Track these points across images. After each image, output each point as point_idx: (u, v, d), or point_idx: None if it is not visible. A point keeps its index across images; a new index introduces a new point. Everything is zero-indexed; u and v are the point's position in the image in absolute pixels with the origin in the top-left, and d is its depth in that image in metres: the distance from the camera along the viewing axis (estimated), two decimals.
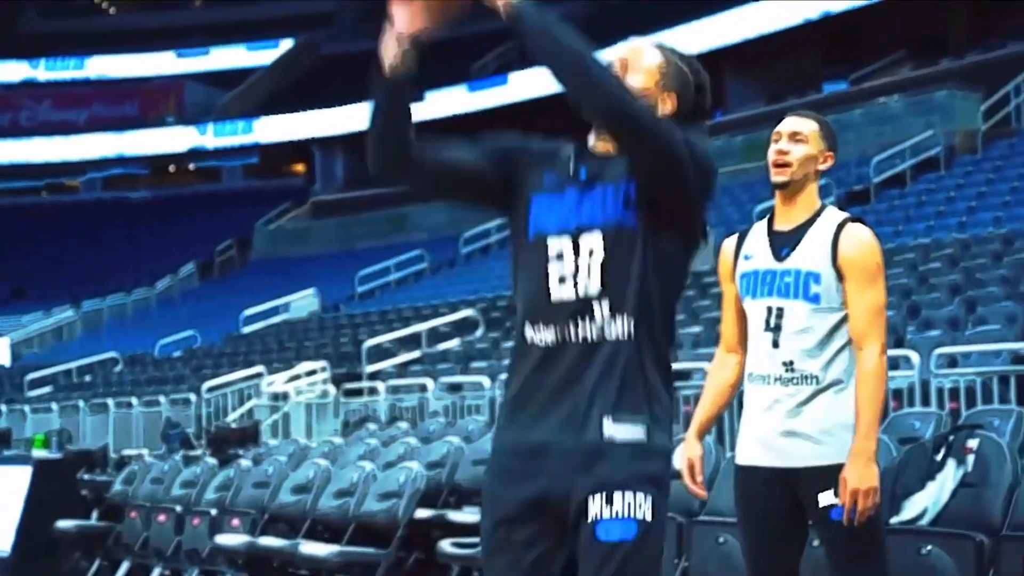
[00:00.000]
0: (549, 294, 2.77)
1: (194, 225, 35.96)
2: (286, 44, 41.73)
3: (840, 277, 3.62)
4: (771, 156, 3.74)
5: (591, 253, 2.75)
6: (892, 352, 9.54)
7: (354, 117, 35.34)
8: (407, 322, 18.93)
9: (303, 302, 24.05)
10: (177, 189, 42.30)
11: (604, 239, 2.75)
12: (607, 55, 2.77)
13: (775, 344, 3.67)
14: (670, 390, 2.79)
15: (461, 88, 33.71)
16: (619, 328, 2.73)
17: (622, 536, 2.66)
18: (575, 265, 2.76)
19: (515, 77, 31.94)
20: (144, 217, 38.61)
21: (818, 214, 3.71)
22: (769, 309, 3.68)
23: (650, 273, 2.74)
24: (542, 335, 2.78)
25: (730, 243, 3.86)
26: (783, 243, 3.70)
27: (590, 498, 2.68)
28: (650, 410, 2.73)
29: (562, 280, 2.76)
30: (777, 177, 3.71)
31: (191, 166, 43.94)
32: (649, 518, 2.68)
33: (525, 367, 2.80)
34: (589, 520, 2.67)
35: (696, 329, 12.92)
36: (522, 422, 2.78)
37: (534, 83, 29.95)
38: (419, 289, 23.81)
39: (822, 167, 3.74)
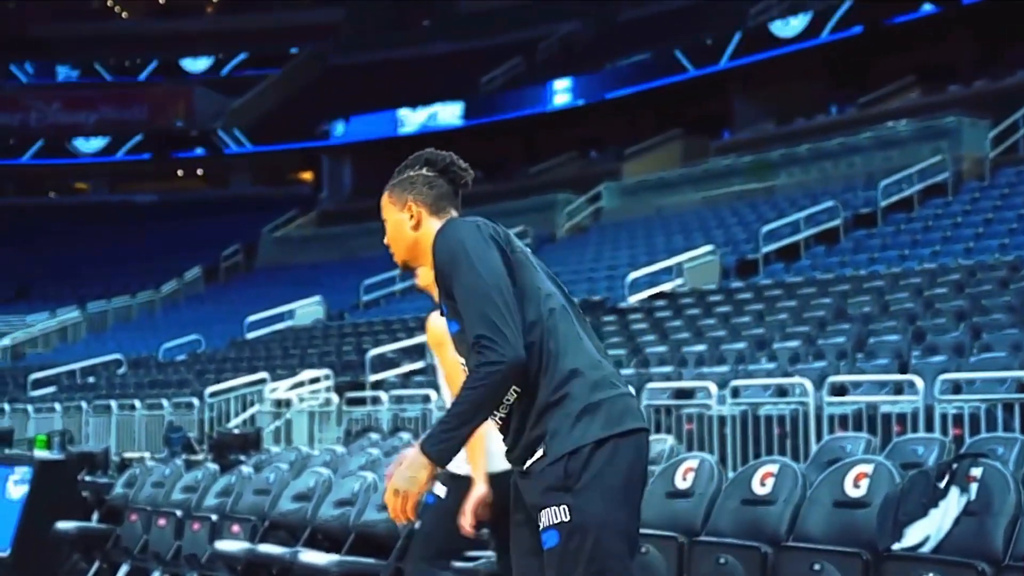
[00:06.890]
0: None
1: (201, 230, 35.99)
2: (294, 53, 41.85)
3: None
4: None
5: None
6: (897, 377, 9.59)
7: (362, 127, 35.44)
8: (411, 332, 18.93)
9: (308, 309, 24.05)
10: (185, 193, 42.37)
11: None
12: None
13: None
14: (558, 403, 3.28)
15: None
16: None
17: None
18: None
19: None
20: (151, 220, 38.67)
21: None
22: None
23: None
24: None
25: None
26: None
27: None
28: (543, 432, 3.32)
29: None
30: None
31: (199, 171, 44.03)
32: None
33: None
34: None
35: (700, 348, 12.92)
36: None
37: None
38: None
39: None
